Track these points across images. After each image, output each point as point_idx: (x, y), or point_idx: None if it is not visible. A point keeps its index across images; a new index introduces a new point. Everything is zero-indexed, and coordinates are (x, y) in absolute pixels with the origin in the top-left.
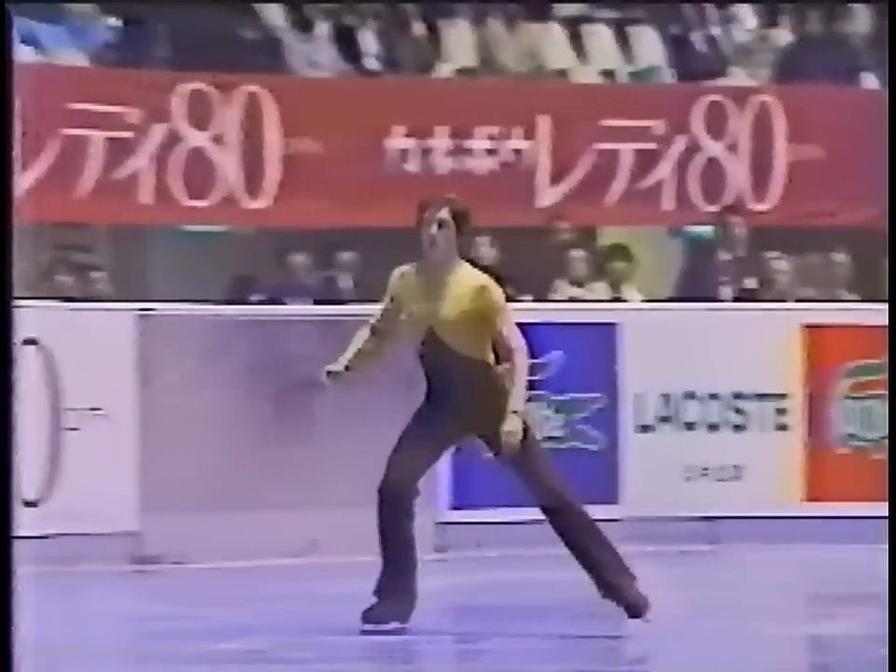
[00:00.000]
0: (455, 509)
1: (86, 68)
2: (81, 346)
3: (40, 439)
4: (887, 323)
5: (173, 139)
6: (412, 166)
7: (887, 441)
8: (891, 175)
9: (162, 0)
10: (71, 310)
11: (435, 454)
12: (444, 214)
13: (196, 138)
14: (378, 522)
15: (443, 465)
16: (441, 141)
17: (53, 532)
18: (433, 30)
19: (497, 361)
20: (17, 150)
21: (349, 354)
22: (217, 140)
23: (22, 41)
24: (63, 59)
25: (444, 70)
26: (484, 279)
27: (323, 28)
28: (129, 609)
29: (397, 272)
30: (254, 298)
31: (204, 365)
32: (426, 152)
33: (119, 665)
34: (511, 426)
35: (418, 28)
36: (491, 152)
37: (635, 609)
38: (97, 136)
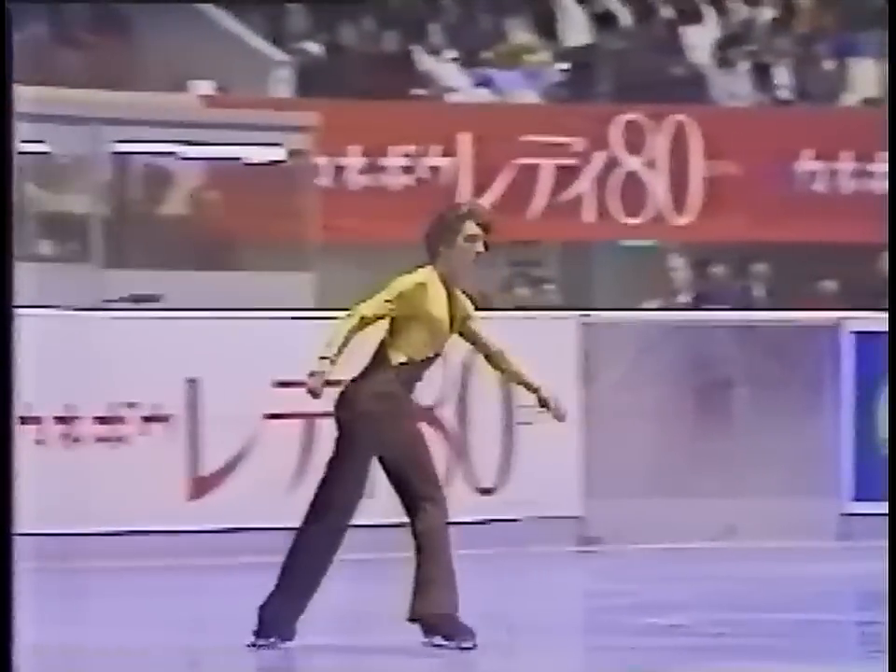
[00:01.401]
0: (858, 500)
1: (538, 105)
2: (532, 350)
3: (495, 433)
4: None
5: (611, 164)
6: (819, 186)
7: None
8: (891, 181)
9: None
10: (525, 318)
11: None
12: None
13: (631, 163)
14: None
15: (846, 457)
16: (846, 164)
17: (507, 517)
18: (842, 64)
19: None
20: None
21: (336, 348)
22: (650, 164)
23: (479, 84)
24: (517, 98)
25: (850, 100)
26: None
27: (743, 65)
28: (574, 586)
29: (420, 279)
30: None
31: (637, 365)
32: (832, 174)
33: (569, 635)
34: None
35: (828, 63)
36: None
37: None
38: (547, 164)
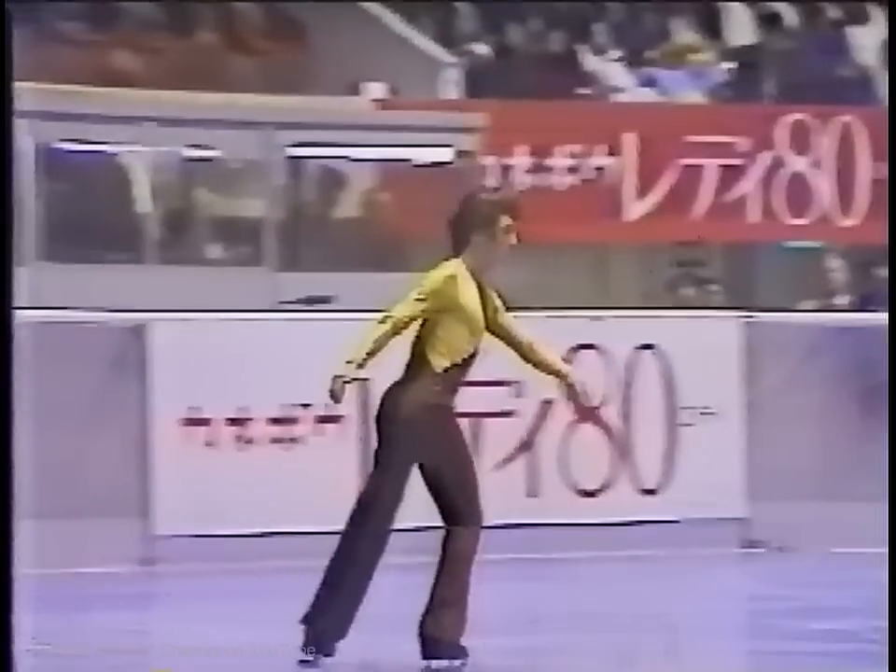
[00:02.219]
0: None
1: (702, 105)
2: (695, 351)
3: (658, 434)
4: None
5: (777, 164)
6: None
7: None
8: (892, 181)
9: None
10: (689, 318)
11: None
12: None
13: (797, 163)
14: None
15: None
16: None
17: (671, 518)
18: None
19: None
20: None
21: (364, 353)
22: (815, 165)
23: (644, 84)
24: (682, 98)
25: None
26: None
27: None
28: (736, 589)
29: (449, 272)
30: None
31: (801, 367)
32: None
33: (730, 638)
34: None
35: None
36: None
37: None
38: (711, 164)
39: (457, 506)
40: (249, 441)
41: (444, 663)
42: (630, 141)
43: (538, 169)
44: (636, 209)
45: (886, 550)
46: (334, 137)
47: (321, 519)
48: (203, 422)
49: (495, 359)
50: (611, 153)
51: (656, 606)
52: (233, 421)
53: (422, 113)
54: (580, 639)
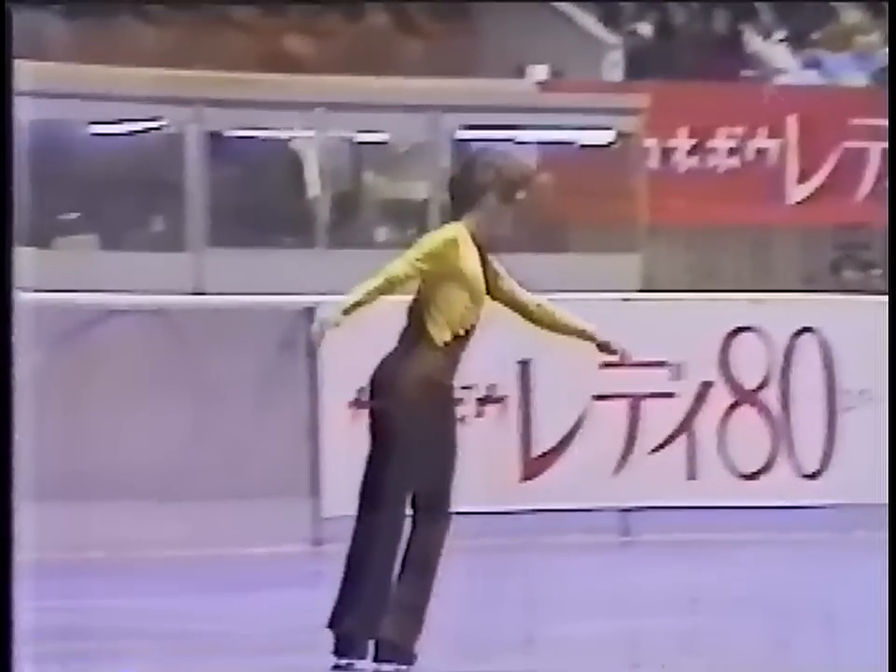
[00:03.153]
0: None
1: (867, 88)
2: (856, 334)
3: (818, 417)
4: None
5: None
6: None
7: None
8: (891, 175)
9: None
10: (850, 301)
11: None
12: None
13: None
14: None
15: None
16: None
17: (830, 502)
18: None
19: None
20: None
21: (353, 303)
22: None
23: (808, 66)
24: (846, 81)
25: None
26: None
27: None
28: None
29: (450, 235)
30: None
31: None
32: None
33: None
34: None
35: None
36: None
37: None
38: (875, 147)
39: (434, 495)
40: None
41: (392, 667)
42: (793, 124)
43: (699, 151)
44: (798, 192)
45: (886, 547)
46: (499, 120)
47: (483, 500)
48: (364, 405)
49: (653, 341)
50: (773, 136)
51: (815, 591)
52: None
53: (584, 95)
54: (737, 623)
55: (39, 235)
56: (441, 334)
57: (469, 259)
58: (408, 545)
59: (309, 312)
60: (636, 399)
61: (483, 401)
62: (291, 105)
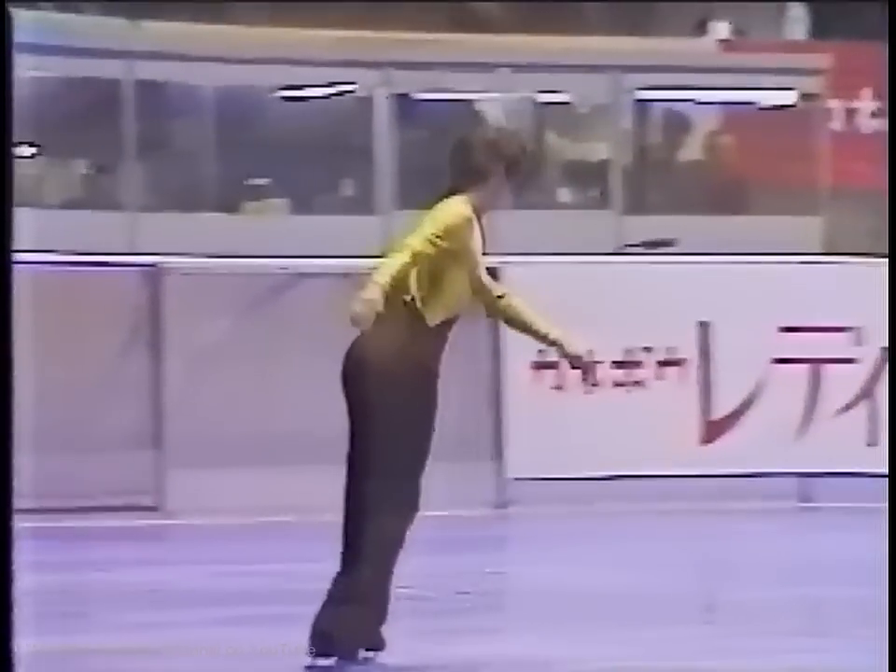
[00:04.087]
0: None
1: None
2: None
3: None
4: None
5: None
6: None
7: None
8: (891, 170)
9: None
10: None
11: None
12: None
13: None
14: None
15: None
16: None
17: None
18: None
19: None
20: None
21: (388, 279)
22: None
23: None
24: None
25: None
26: None
27: None
28: None
29: (467, 213)
30: None
31: None
32: None
33: None
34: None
35: None
36: None
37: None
38: None
39: (414, 487)
40: (594, 385)
41: (332, 661)
42: None
43: (883, 112)
44: None
45: (887, 544)
46: (680, 80)
47: (662, 463)
48: (552, 365)
49: (834, 305)
50: None
51: None
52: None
53: (766, 55)
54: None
55: (229, 201)
56: (435, 316)
57: (478, 240)
58: (366, 535)
59: (492, 273)
60: (816, 364)
61: (663, 364)
62: (476, 65)
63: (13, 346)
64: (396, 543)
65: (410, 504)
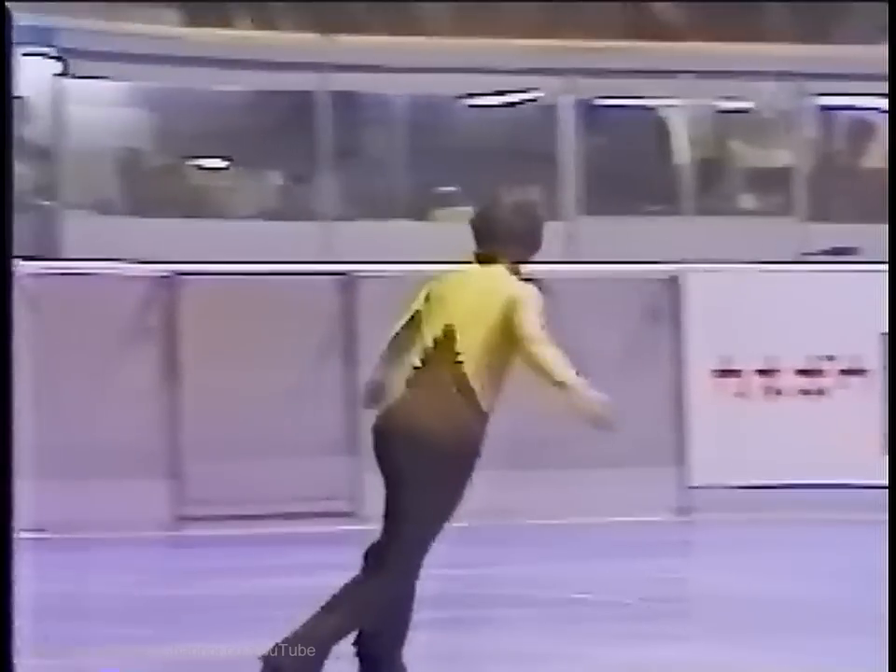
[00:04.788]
0: None
1: None
2: None
3: None
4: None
5: None
6: None
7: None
8: (892, 172)
9: None
10: None
11: None
12: None
13: None
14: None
15: None
16: None
17: None
18: None
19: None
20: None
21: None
22: None
23: None
24: None
25: None
26: None
27: None
28: None
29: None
30: None
31: None
32: None
33: None
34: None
35: None
36: None
37: None
38: None
39: (418, 553)
40: (777, 393)
41: None
42: None
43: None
44: None
45: (886, 544)
46: (864, 87)
47: (844, 472)
48: (734, 373)
49: None
50: None
51: None
52: (762, 372)
53: None
54: None
55: (419, 208)
56: (489, 403)
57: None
58: (349, 586)
59: (673, 280)
60: None
61: (845, 373)
62: (659, 73)
63: (13, 348)
64: (373, 607)
65: (404, 574)
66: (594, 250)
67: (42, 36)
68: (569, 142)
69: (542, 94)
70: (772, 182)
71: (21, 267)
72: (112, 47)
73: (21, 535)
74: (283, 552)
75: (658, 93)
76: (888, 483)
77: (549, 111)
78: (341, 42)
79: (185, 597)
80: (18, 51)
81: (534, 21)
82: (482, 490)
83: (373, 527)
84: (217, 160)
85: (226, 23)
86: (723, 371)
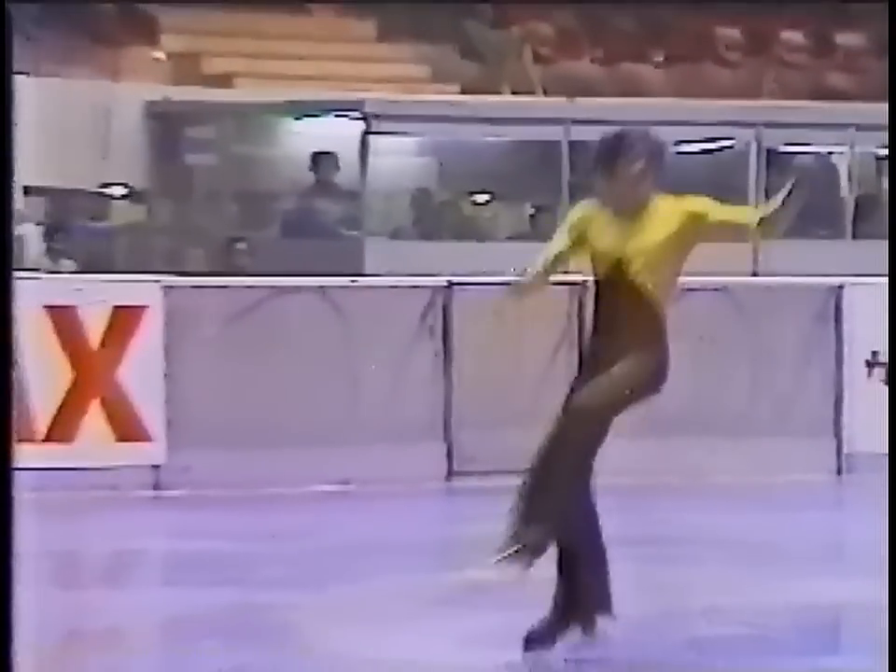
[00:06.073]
0: None
1: None
2: None
3: None
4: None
5: None
6: None
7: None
8: (892, 171)
9: None
10: None
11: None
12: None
13: None
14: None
15: None
16: None
17: None
18: None
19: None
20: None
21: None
22: None
23: None
24: None
25: None
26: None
27: None
28: None
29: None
30: None
31: None
32: None
33: None
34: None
35: None
36: None
37: None
38: None
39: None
40: None
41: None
42: None
43: None
44: None
45: (886, 544)
46: None
47: None
48: (882, 364)
49: None
50: None
51: None
52: None
53: None
54: None
55: None
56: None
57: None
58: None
59: (837, 290)
60: None
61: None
62: (830, 125)
63: (13, 349)
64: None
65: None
66: (776, 266)
67: (353, 105)
68: (756, 182)
69: (735, 142)
70: None
71: (332, 281)
72: (406, 111)
73: (330, 488)
74: None
75: (829, 141)
76: (888, 482)
77: (741, 156)
78: (580, 102)
79: (460, 535)
80: (330, 115)
81: (730, 85)
82: (679, 450)
83: None
84: (484, 195)
85: (494, 90)
86: (874, 362)
